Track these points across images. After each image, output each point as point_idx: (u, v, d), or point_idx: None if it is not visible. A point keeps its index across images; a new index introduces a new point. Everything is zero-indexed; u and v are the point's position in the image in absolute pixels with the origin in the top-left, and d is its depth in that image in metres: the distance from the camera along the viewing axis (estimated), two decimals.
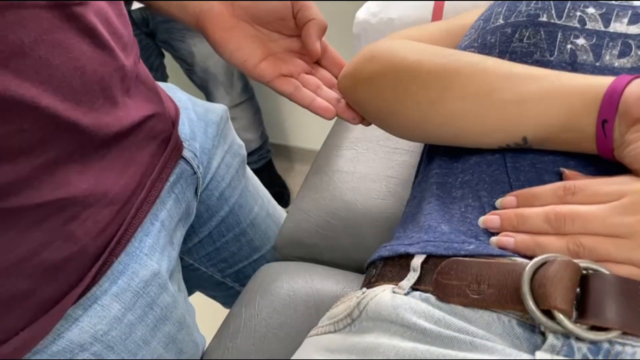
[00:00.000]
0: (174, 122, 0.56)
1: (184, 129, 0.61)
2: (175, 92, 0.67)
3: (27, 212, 0.39)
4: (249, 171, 0.80)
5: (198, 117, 0.66)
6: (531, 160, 0.47)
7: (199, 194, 0.64)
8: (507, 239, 0.43)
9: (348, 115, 0.60)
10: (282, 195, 1.81)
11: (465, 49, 0.58)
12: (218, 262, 0.74)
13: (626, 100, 0.41)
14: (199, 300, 1.07)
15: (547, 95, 0.45)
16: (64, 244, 0.43)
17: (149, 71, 0.59)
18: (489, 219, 0.45)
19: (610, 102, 0.42)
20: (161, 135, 0.54)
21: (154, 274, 0.51)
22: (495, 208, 0.46)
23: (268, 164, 1.86)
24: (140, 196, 0.50)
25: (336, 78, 0.64)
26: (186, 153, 0.60)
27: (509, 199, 0.45)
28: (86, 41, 0.41)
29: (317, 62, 0.63)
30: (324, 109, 0.57)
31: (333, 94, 0.61)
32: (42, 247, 0.41)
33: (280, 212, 0.86)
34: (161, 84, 0.61)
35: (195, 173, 0.61)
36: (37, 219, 0.40)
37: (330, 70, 0.64)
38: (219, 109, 0.71)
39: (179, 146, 0.57)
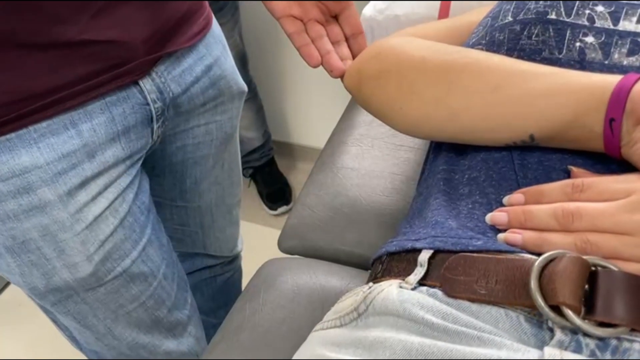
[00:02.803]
0: (144, 52, 0.61)
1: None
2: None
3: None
4: (236, 147, 0.87)
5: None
6: (539, 157, 0.47)
7: (154, 125, 0.67)
8: (514, 235, 0.43)
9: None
10: (283, 192, 1.81)
11: (473, 46, 0.58)
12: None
13: (633, 98, 0.41)
14: None
15: (554, 93, 0.45)
16: None
17: None
18: (497, 216, 0.45)
19: (618, 101, 0.42)
20: (114, 60, 0.58)
21: (36, 166, 0.56)
22: (502, 205, 0.46)
23: (270, 161, 1.86)
24: (56, 96, 0.55)
25: (347, 39, 0.67)
26: (146, 84, 0.63)
27: (517, 196, 0.45)
28: None
29: (335, 17, 0.67)
30: (332, 67, 0.64)
31: (345, 52, 0.66)
32: None
33: (234, 192, 0.92)
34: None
35: (147, 104, 0.64)
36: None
37: (343, 28, 0.67)
38: (241, 85, 0.81)
39: (134, 73, 0.61)
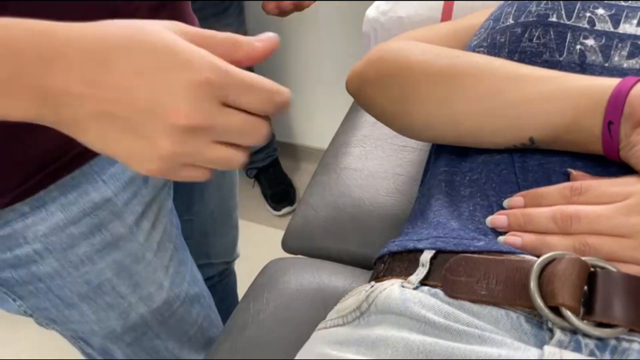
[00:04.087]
0: None
1: None
2: None
3: None
4: None
5: None
6: (539, 160, 0.48)
7: None
8: (514, 238, 0.44)
9: None
10: (287, 193, 1.82)
11: (474, 48, 0.58)
12: None
13: (631, 101, 0.41)
14: None
15: (553, 96, 0.46)
16: (10, 148, 0.48)
17: None
18: (497, 219, 0.46)
19: (616, 104, 0.42)
20: None
21: (106, 200, 0.55)
22: (503, 207, 0.47)
23: (274, 162, 1.86)
24: None
25: None
26: None
27: (517, 199, 0.46)
28: None
29: None
30: None
31: None
32: (9, 139, 0.47)
33: (231, 194, 0.90)
34: None
35: None
36: None
37: None
38: None
39: None
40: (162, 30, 0.36)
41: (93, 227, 0.55)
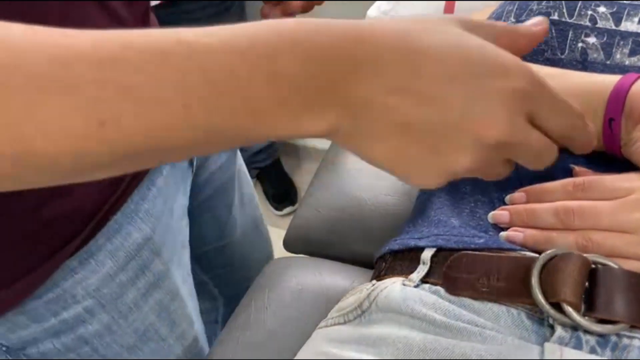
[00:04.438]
0: None
1: None
2: None
3: None
4: (240, 163, 0.80)
5: None
6: None
7: (194, 165, 0.64)
8: (516, 233, 0.44)
9: None
10: (289, 193, 1.82)
11: None
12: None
13: (632, 98, 0.41)
14: None
15: None
16: (62, 200, 0.45)
17: None
18: (499, 214, 0.46)
19: (617, 101, 0.42)
20: None
21: (147, 239, 0.52)
22: (504, 204, 0.47)
23: (276, 162, 1.86)
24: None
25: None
26: None
27: (519, 195, 0.46)
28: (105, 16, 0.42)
29: None
30: None
31: None
32: (44, 201, 0.43)
33: (253, 209, 0.87)
34: None
35: None
36: None
37: None
38: None
39: None
40: (463, 32, 0.33)
41: (138, 270, 0.52)
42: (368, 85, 0.31)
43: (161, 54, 0.27)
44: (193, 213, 0.70)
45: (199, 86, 0.28)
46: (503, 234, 0.45)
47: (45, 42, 0.26)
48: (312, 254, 0.74)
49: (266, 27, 0.30)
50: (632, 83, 0.42)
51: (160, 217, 0.54)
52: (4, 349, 0.49)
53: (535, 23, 0.38)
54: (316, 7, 1.67)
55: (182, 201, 0.60)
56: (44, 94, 0.25)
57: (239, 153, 0.81)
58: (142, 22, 0.50)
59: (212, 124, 0.29)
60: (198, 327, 0.64)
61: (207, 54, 0.28)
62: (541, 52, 0.52)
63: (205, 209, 0.75)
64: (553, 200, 0.43)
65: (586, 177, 0.43)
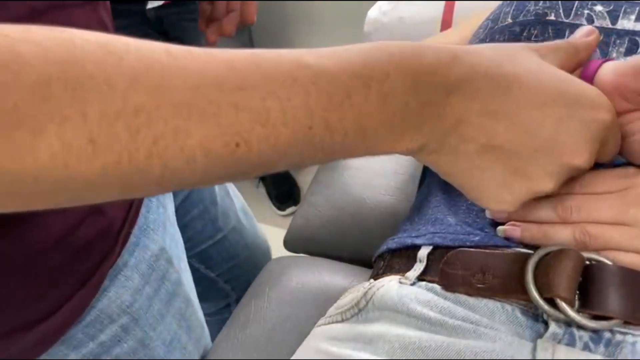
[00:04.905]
0: None
1: None
2: None
3: None
4: None
5: None
6: None
7: None
8: (513, 228, 0.44)
9: None
10: (291, 193, 1.83)
11: None
12: (184, 242, 0.75)
13: (597, 84, 0.41)
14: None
15: None
16: (96, 219, 0.45)
17: None
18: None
19: None
20: None
21: (161, 248, 0.53)
22: None
23: None
24: None
25: None
26: None
27: None
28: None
29: None
30: None
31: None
32: (78, 223, 0.44)
33: (238, 196, 0.88)
34: None
35: None
36: None
37: None
38: None
39: None
40: (543, 61, 0.35)
41: (159, 281, 0.53)
42: (462, 106, 0.33)
43: (289, 78, 0.29)
44: (180, 212, 0.71)
45: (321, 108, 0.30)
46: (500, 228, 0.45)
47: (186, 67, 0.27)
48: (312, 253, 0.75)
49: (377, 49, 0.32)
50: (596, 71, 0.41)
51: (165, 226, 0.55)
52: None
53: (587, 33, 0.40)
54: (315, 8, 1.68)
55: (172, 206, 0.61)
56: (188, 121, 0.27)
57: None
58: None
59: (328, 142, 0.31)
60: (207, 334, 0.65)
61: (328, 77, 0.30)
62: None
63: (191, 205, 0.76)
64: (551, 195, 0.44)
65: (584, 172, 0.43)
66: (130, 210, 0.49)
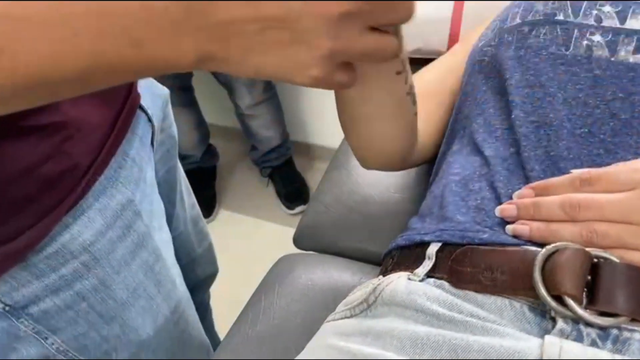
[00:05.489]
0: None
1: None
2: None
3: (35, 130, 0.47)
4: (176, 158, 0.84)
5: (145, 84, 0.69)
6: (545, 149, 0.48)
7: (154, 146, 0.67)
8: (522, 226, 0.44)
9: None
10: (301, 192, 1.83)
11: (482, 48, 0.59)
12: None
13: None
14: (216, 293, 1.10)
15: None
16: (62, 159, 0.49)
17: None
18: (506, 208, 0.46)
19: None
20: (126, 91, 0.59)
21: (129, 200, 0.57)
22: (511, 199, 0.48)
23: (288, 161, 1.88)
24: (117, 127, 0.56)
25: None
26: (142, 102, 0.64)
27: (526, 191, 0.46)
28: None
29: None
30: None
31: None
32: (45, 159, 0.48)
33: (193, 206, 0.90)
34: None
35: (150, 120, 0.65)
36: (42, 136, 0.47)
37: None
38: (162, 88, 0.74)
39: (137, 95, 0.62)
40: None
41: (125, 229, 0.56)
42: (225, 8, 0.35)
43: None
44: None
45: (85, 15, 0.32)
46: (510, 226, 0.45)
47: None
48: (321, 250, 0.75)
49: None
50: None
51: (138, 183, 0.59)
52: (7, 309, 0.52)
53: None
54: None
55: (151, 173, 0.64)
56: None
57: (176, 146, 0.83)
58: None
59: (98, 52, 0.33)
60: (181, 292, 0.68)
61: None
62: (545, 47, 0.52)
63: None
64: (560, 194, 0.44)
65: (592, 171, 0.44)
66: (96, 160, 0.53)
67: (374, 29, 0.39)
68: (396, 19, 0.38)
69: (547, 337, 0.38)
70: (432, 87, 0.70)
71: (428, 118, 0.67)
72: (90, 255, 0.54)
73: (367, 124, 0.55)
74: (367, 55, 0.39)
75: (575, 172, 0.44)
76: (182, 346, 0.71)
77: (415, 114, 0.58)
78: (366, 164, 0.63)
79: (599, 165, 0.46)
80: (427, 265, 0.47)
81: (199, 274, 0.95)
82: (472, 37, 0.72)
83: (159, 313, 0.63)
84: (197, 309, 0.97)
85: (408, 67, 0.53)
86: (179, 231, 0.85)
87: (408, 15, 0.39)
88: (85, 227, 0.53)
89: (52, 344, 0.57)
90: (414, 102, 0.56)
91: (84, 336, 0.58)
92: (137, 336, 0.62)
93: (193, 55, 0.36)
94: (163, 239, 0.64)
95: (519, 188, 0.47)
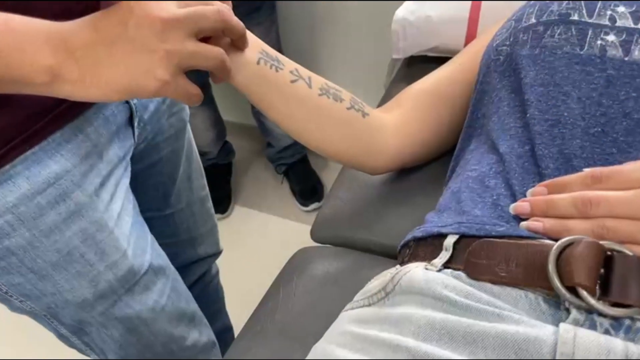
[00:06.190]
0: None
1: None
2: None
3: None
4: (190, 139, 0.88)
5: None
6: (559, 147, 0.49)
7: (134, 123, 0.70)
8: (536, 223, 0.46)
9: None
10: (316, 189, 1.84)
11: (497, 47, 0.61)
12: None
13: None
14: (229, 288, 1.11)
15: None
16: None
17: None
18: (520, 206, 0.48)
19: None
20: None
21: (66, 171, 0.59)
22: (525, 196, 0.49)
23: (303, 158, 1.89)
24: (63, 106, 0.58)
25: None
26: None
27: (539, 189, 0.48)
28: None
29: None
30: None
31: None
32: None
33: (203, 188, 0.94)
34: None
35: (127, 102, 0.68)
36: None
37: None
38: None
39: None
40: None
41: (58, 197, 0.59)
42: (79, 35, 0.46)
43: None
44: (138, 176, 0.77)
45: None
46: (524, 223, 0.46)
47: None
48: (337, 244, 0.77)
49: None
50: None
51: (87, 158, 0.61)
52: None
53: None
54: (345, 8, 1.69)
55: (116, 150, 0.66)
56: None
57: (189, 128, 0.86)
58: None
59: None
60: (138, 260, 0.70)
61: None
62: (560, 46, 0.53)
63: (150, 175, 0.81)
64: (572, 192, 0.45)
65: (604, 169, 0.45)
66: (30, 129, 0.56)
67: (204, 39, 0.51)
68: (208, 25, 0.50)
69: (561, 324, 0.39)
70: (430, 89, 0.72)
71: (424, 117, 0.71)
72: (14, 216, 0.57)
73: (303, 135, 0.64)
74: (195, 59, 0.49)
75: (587, 170, 0.46)
76: (151, 312, 0.74)
77: (350, 108, 0.65)
78: (365, 170, 0.71)
79: (612, 163, 0.47)
80: (444, 256, 0.48)
81: (199, 252, 0.98)
82: (481, 39, 0.73)
83: (101, 279, 0.66)
84: (196, 283, 1.02)
85: (305, 73, 0.63)
86: (179, 207, 0.89)
87: (218, 20, 0.50)
88: (9, 191, 0.56)
89: None
90: (337, 99, 0.64)
91: (22, 286, 0.62)
92: (73, 297, 0.65)
93: (47, 74, 0.46)
94: (118, 212, 0.67)
95: (533, 185, 0.49)
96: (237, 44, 0.56)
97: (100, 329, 0.71)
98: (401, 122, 0.69)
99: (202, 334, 0.86)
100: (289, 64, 0.62)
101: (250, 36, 0.59)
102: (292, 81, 0.61)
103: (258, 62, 0.58)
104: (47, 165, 0.58)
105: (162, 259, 0.76)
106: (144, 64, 0.47)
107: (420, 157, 0.74)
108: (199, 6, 0.50)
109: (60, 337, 0.72)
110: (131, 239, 0.69)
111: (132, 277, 0.69)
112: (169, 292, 0.76)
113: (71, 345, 0.74)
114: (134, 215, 0.71)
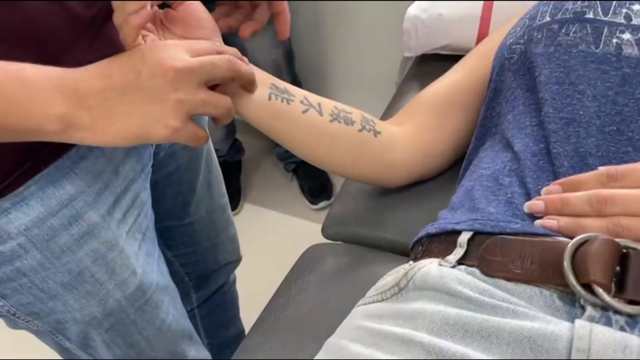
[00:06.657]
0: None
1: None
2: None
3: None
4: (210, 147, 0.87)
5: None
6: (574, 145, 0.49)
7: None
8: (550, 221, 0.46)
9: None
10: (325, 188, 1.84)
11: (510, 46, 0.61)
12: (154, 214, 0.79)
13: None
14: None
15: None
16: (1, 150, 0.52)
17: None
18: (534, 204, 0.48)
19: None
20: None
21: (80, 191, 0.58)
22: (540, 195, 0.49)
23: None
24: None
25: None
26: None
27: (554, 187, 0.48)
28: None
29: None
30: None
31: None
32: None
33: (222, 195, 0.93)
34: None
35: None
36: None
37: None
38: None
39: None
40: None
41: (71, 218, 0.58)
42: (86, 81, 0.47)
43: None
44: (158, 185, 0.77)
45: None
46: (538, 221, 0.46)
47: None
48: (348, 241, 0.77)
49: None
50: None
51: (101, 175, 0.61)
52: None
53: None
54: (356, 7, 1.69)
55: (133, 164, 0.65)
56: None
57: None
58: (103, 20, 0.55)
59: None
60: (147, 278, 0.69)
61: None
62: (575, 45, 0.53)
63: (169, 184, 0.80)
64: (587, 190, 0.45)
65: (619, 167, 0.45)
66: (44, 149, 0.55)
67: (213, 87, 0.52)
68: (219, 75, 0.51)
69: (577, 321, 0.39)
70: (442, 99, 0.72)
71: (438, 128, 0.71)
72: (26, 239, 0.56)
73: (318, 160, 0.66)
74: (205, 107, 0.51)
75: (602, 168, 0.46)
76: (154, 330, 0.73)
77: (362, 129, 0.66)
78: (385, 186, 0.74)
79: (627, 162, 0.47)
80: (458, 253, 0.48)
81: (219, 259, 0.98)
82: (492, 38, 0.73)
83: (110, 298, 0.65)
84: (216, 293, 1.02)
85: (314, 100, 0.63)
86: (199, 216, 0.88)
87: (229, 70, 0.52)
88: (23, 213, 0.55)
89: (3, 306, 0.61)
90: (348, 123, 0.65)
91: (31, 305, 0.62)
92: (81, 316, 0.65)
93: (60, 122, 0.46)
94: (129, 227, 0.66)
95: (548, 183, 0.49)
96: (247, 88, 0.58)
97: (104, 344, 0.71)
98: (414, 135, 0.70)
99: (199, 352, 0.86)
100: (298, 93, 0.62)
101: (259, 72, 0.59)
102: (304, 111, 0.62)
103: (269, 98, 0.59)
104: (62, 186, 0.57)
105: (165, 277, 0.76)
106: (155, 113, 0.48)
107: (437, 167, 0.74)
108: (210, 56, 0.51)
109: (63, 350, 0.72)
110: (140, 256, 0.68)
111: (142, 296, 0.69)
112: (172, 309, 0.76)
113: (72, 356, 0.74)
114: (146, 230, 0.70)
